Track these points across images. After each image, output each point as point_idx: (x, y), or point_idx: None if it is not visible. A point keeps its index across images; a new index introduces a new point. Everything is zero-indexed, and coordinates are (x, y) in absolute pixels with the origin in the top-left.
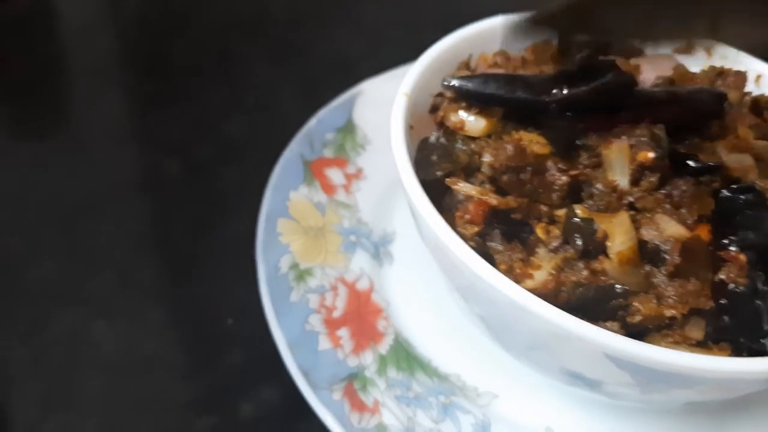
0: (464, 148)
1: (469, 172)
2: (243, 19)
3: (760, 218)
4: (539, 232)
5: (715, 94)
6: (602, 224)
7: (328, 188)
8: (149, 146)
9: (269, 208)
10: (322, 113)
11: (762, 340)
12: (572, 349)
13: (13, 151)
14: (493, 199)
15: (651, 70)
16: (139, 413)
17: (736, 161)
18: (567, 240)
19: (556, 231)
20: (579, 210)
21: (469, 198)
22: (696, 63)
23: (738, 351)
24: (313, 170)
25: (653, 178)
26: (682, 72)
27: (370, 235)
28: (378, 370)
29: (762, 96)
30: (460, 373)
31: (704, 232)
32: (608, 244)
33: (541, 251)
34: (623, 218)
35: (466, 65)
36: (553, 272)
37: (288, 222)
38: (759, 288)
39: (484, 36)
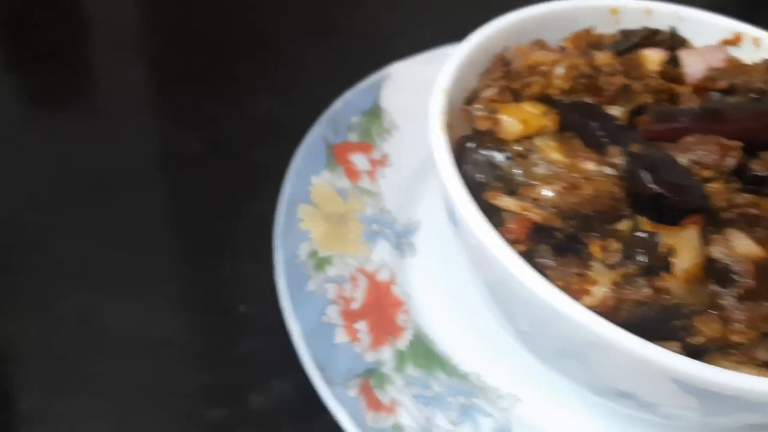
0: (508, 163)
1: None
2: None
3: None
4: (594, 249)
5: None
6: (668, 239)
7: (352, 174)
8: (173, 121)
9: (290, 193)
10: (348, 95)
11: None
12: (632, 371)
13: (34, 121)
14: (537, 216)
15: (701, 62)
16: (149, 400)
17: None
18: (628, 255)
19: (614, 245)
20: (643, 223)
21: (511, 214)
22: (743, 54)
23: None
24: (336, 155)
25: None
26: (735, 64)
27: (393, 225)
28: (396, 367)
29: None
30: (480, 372)
31: None
32: (673, 260)
33: (596, 265)
34: (692, 233)
35: (502, 58)
36: (613, 288)
37: (309, 208)
38: None
39: (521, 26)
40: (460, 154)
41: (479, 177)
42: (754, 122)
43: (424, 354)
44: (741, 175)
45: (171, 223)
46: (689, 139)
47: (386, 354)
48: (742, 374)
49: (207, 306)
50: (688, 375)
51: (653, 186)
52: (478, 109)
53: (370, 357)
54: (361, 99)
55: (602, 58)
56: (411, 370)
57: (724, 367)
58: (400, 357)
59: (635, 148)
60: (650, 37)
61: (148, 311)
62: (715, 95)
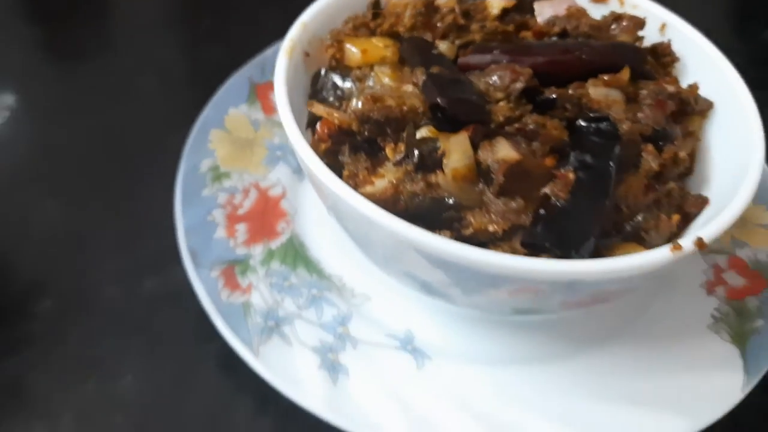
0: (349, 85)
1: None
2: None
3: (604, 146)
4: (388, 151)
5: (631, 50)
6: (444, 143)
7: (268, 108)
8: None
9: (205, 119)
10: (280, 43)
11: (573, 253)
12: (391, 245)
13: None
14: (337, 119)
15: (550, 11)
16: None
17: (602, 95)
18: (410, 155)
19: (402, 147)
20: (427, 130)
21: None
22: (608, 10)
23: None
24: (258, 92)
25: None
26: (573, 12)
27: None
28: (262, 261)
29: (661, 43)
30: (343, 275)
31: (551, 160)
32: (444, 161)
33: (388, 165)
34: (462, 138)
35: (375, 3)
36: (393, 181)
37: (220, 132)
38: (582, 205)
39: None
40: (317, 79)
41: (324, 96)
42: (559, 55)
43: (293, 255)
44: (534, 99)
45: (107, 148)
46: (492, 66)
47: (257, 250)
48: (456, 242)
49: (127, 211)
50: (418, 242)
51: (436, 99)
52: (327, 39)
53: (241, 251)
54: None
55: (444, 1)
56: (275, 265)
57: None
58: (269, 254)
59: (435, 69)
60: None
61: (81, 210)
62: (553, 39)
